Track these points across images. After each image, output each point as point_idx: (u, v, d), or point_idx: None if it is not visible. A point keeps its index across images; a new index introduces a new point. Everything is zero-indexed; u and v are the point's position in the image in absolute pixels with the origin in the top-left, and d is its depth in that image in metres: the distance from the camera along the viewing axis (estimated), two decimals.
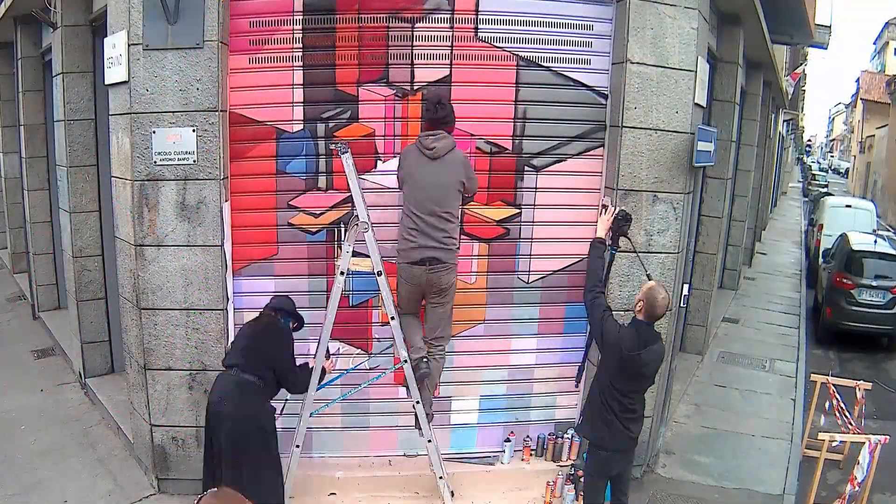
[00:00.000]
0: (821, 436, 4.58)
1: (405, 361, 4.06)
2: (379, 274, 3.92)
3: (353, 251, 3.94)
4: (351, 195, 3.99)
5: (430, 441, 4.21)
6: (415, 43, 4.27)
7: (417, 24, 4.26)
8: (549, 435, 4.80)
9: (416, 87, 4.32)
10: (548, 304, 4.73)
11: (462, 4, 4.25)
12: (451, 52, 4.31)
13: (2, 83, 9.10)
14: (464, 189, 3.98)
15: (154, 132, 3.99)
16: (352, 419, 4.68)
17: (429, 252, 3.89)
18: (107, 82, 4.32)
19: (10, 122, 8.76)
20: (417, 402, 4.12)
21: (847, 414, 5.37)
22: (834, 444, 4.78)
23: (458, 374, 4.71)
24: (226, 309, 4.24)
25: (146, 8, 3.85)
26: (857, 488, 4.34)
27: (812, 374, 5.91)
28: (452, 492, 4.38)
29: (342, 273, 3.89)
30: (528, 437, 4.79)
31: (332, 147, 4.12)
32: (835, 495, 4.57)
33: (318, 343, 4.06)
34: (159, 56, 3.92)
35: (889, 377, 8.11)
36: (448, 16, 4.26)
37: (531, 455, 4.76)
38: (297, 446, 4.15)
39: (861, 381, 5.57)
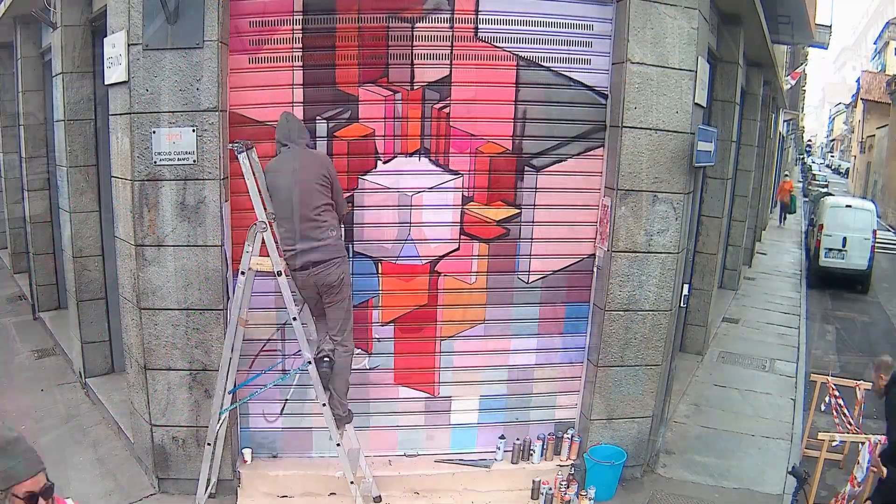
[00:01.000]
0: (821, 436, 4.55)
1: (308, 363, 3.94)
2: (279, 274, 3.83)
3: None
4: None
5: (338, 445, 4.06)
6: (415, 43, 4.25)
7: (417, 25, 4.24)
8: (548, 434, 4.79)
9: (415, 87, 4.31)
10: (548, 304, 4.72)
11: (462, 5, 4.23)
12: (451, 53, 4.29)
13: (2, 83, 9.06)
14: (329, 187, 3.85)
15: (154, 132, 3.97)
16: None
17: (307, 256, 3.83)
18: (106, 82, 4.29)
19: (10, 122, 8.76)
20: (324, 405, 3.98)
21: (846, 413, 5.36)
22: (834, 444, 4.76)
23: (459, 375, 4.70)
24: (227, 308, 4.19)
25: (146, 8, 3.83)
26: (857, 488, 4.33)
27: (812, 374, 5.88)
28: (378, 496, 4.36)
29: (242, 273, 3.85)
30: (526, 437, 4.76)
31: (230, 148, 3.92)
32: (834, 495, 4.56)
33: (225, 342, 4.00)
34: (159, 56, 3.90)
35: None
36: (448, 16, 4.24)
37: (531, 454, 4.74)
38: (209, 444, 4.09)
39: (861, 381, 5.54)
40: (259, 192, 3.81)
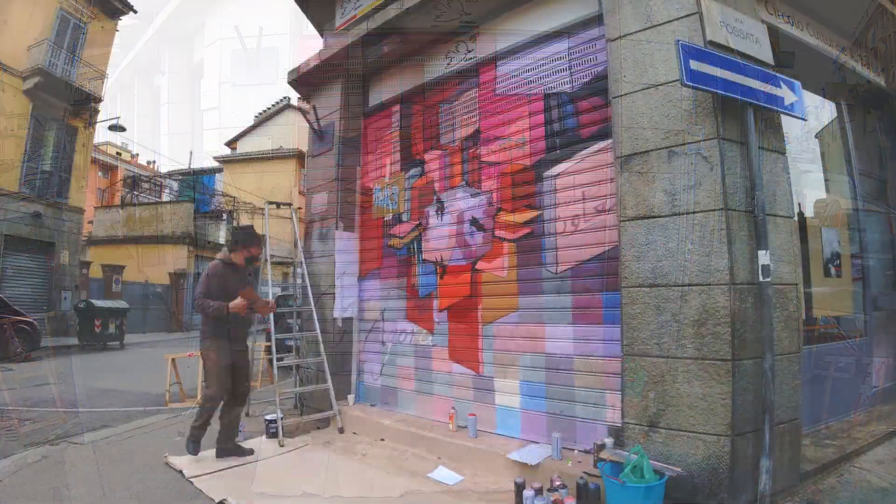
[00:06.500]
0: None
1: None
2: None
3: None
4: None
5: None
6: (455, 114, 4.89)
7: (456, 101, 4.93)
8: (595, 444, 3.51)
9: (456, 142, 4.89)
10: (581, 293, 3.92)
11: (484, 77, 4.71)
12: (479, 110, 4.70)
13: None
14: None
15: (312, 197, 5.88)
16: (421, 385, 4.89)
17: None
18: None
19: None
20: None
21: None
22: None
23: (498, 356, 4.37)
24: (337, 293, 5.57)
25: (310, 139, 6.05)
26: None
27: None
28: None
29: None
30: (575, 441, 3.82)
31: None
32: None
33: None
34: (314, 159, 5.99)
35: None
36: (475, 87, 4.77)
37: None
38: None
39: None
40: None
